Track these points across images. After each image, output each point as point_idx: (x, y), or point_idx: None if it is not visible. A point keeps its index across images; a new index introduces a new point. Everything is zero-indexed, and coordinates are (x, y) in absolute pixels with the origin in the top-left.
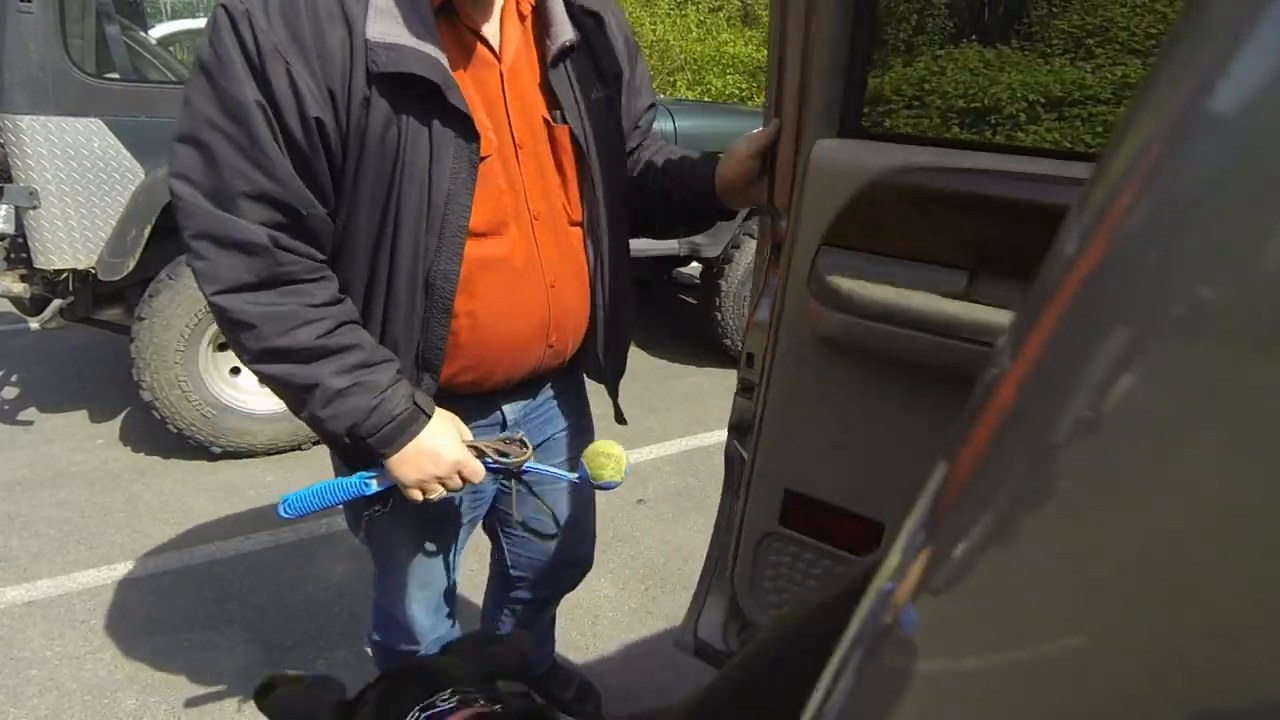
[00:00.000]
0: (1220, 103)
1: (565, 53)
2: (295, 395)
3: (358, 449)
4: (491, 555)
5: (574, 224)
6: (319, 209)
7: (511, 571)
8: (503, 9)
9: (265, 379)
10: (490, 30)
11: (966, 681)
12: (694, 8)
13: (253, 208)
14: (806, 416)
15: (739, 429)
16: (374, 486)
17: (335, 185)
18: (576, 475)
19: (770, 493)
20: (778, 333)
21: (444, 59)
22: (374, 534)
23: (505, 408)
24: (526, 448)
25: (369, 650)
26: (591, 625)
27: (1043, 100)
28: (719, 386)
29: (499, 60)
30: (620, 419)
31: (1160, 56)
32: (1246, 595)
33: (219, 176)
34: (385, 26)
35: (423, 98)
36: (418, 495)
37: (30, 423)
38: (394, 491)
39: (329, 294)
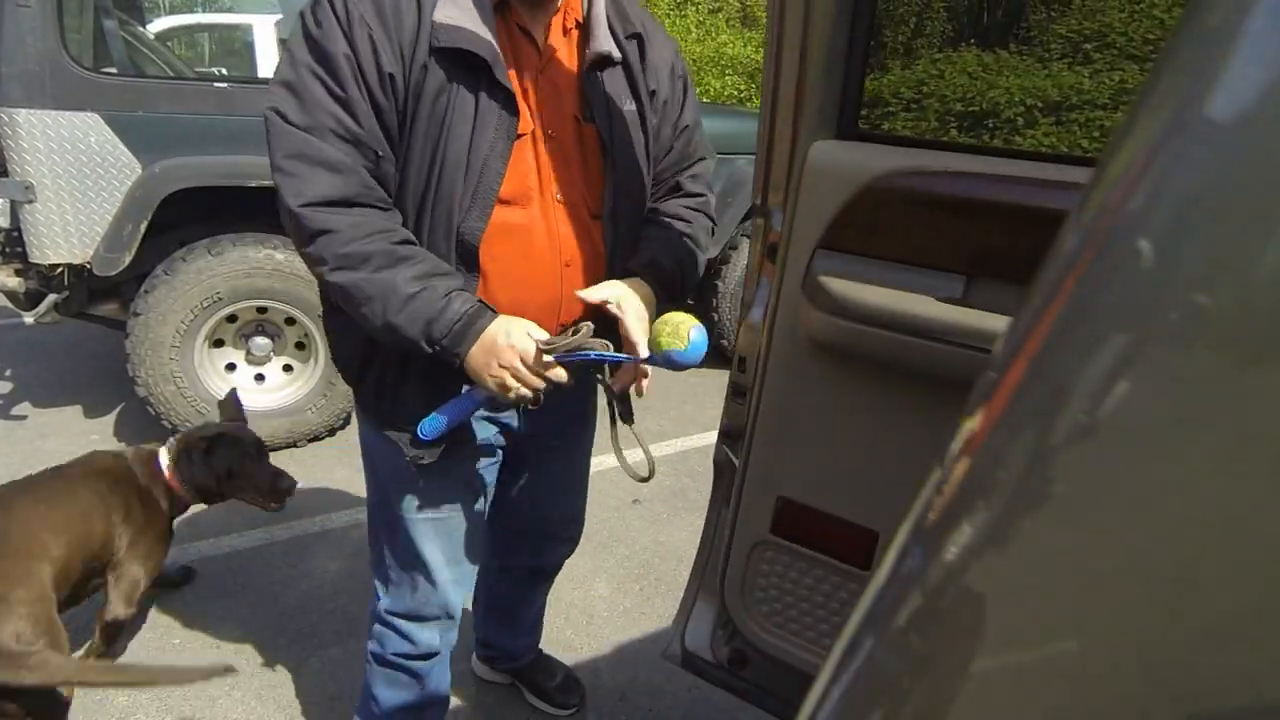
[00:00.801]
0: (1218, 109)
1: (600, 63)
2: (370, 304)
3: (434, 361)
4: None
5: (595, 217)
6: (390, 155)
7: (498, 543)
8: (552, 18)
9: (339, 290)
10: (537, 31)
11: (965, 683)
12: (693, 9)
13: (340, 144)
14: (800, 422)
15: (730, 434)
16: (479, 395)
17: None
18: (645, 355)
19: (762, 500)
20: (771, 336)
21: (496, 44)
22: (393, 508)
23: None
24: (588, 333)
25: (369, 655)
26: (586, 625)
27: (1041, 104)
28: (715, 387)
29: (540, 57)
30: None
31: (1158, 62)
32: (1243, 597)
33: (311, 114)
34: (450, 12)
35: (474, 73)
36: (495, 389)
37: (24, 418)
38: (441, 441)
39: (397, 220)
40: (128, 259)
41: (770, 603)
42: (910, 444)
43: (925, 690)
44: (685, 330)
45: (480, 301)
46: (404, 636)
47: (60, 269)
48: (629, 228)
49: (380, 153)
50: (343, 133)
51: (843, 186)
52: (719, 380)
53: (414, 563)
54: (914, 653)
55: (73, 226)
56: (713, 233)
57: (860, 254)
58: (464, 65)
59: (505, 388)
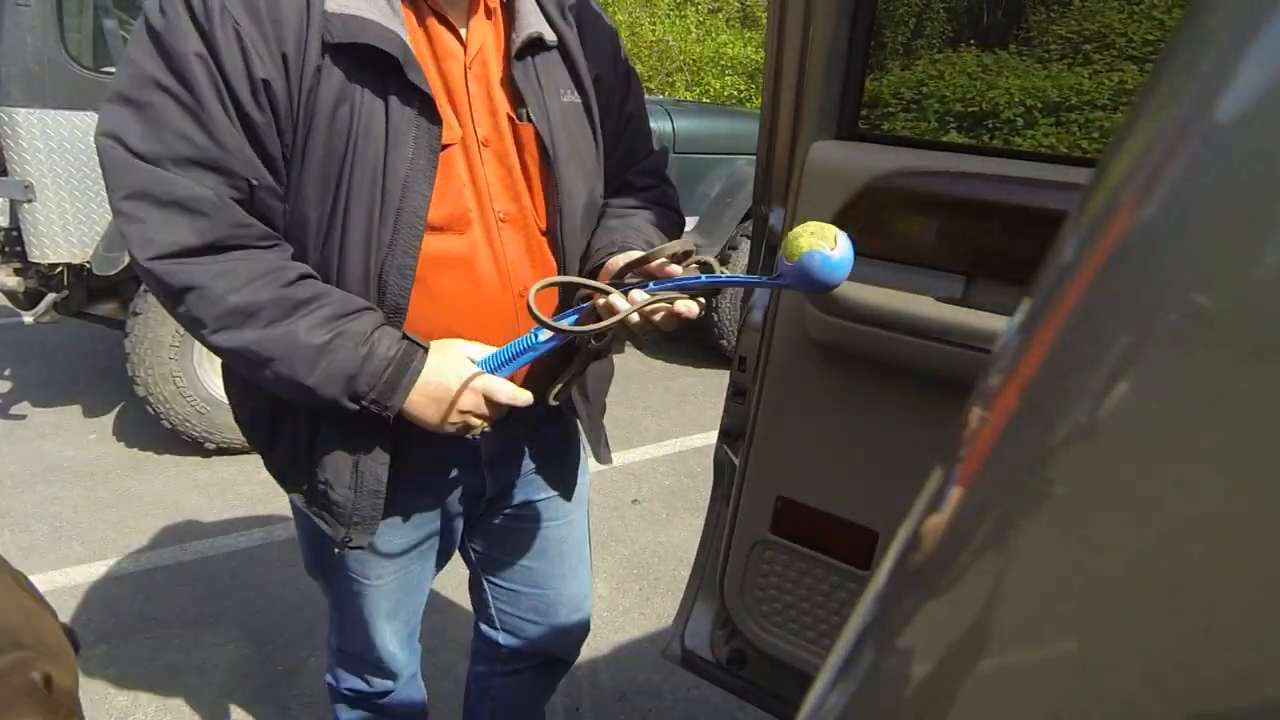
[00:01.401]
0: (1219, 110)
1: (531, 47)
2: (271, 366)
3: (360, 417)
4: (476, 632)
5: (544, 233)
6: (270, 181)
7: (500, 638)
8: (472, 1)
9: (232, 355)
10: (456, 16)
11: (965, 683)
12: (694, 9)
13: (198, 174)
14: (800, 422)
15: (730, 434)
16: (542, 337)
17: (285, 163)
18: (767, 278)
19: (762, 499)
20: (771, 337)
21: (406, 36)
22: (327, 568)
23: (479, 437)
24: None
25: (326, 683)
26: None
27: (1040, 105)
28: (714, 387)
29: (464, 50)
30: (599, 458)
31: (1159, 63)
32: (1244, 597)
33: (159, 140)
34: (346, 0)
35: (380, 74)
36: (452, 430)
37: (23, 417)
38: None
39: (285, 256)
40: (127, 259)
41: (770, 602)
42: (910, 444)
43: (925, 690)
44: (831, 232)
45: (406, 337)
46: (356, 675)
47: (60, 268)
48: (580, 244)
49: (255, 180)
50: (199, 158)
51: (843, 186)
52: (719, 380)
53: (354, 615)
54: (914, 653)
55: (72, 226)
56: (681, 225)
57: (861, 254)
58: (368, 65)
59: (469, 428)
